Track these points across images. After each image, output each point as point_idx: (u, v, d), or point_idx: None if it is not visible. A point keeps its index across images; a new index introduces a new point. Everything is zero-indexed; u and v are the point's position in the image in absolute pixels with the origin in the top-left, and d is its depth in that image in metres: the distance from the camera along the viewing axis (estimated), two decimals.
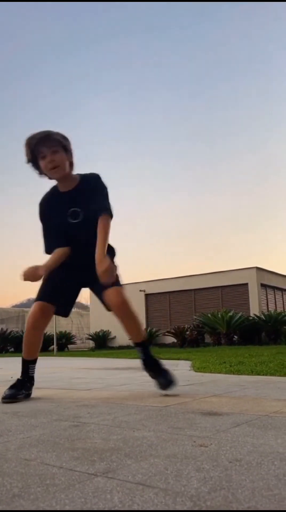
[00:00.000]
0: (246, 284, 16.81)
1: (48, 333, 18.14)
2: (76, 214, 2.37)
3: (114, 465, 1.05)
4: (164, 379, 2.29)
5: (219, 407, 1.84)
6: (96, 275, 2.21)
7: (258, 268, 17.07)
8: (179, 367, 4.72)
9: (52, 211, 2.43)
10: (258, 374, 3.38)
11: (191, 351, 9.33)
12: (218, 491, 0.86)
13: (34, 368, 2.49)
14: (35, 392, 2.70)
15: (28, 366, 2.45)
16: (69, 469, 1.03)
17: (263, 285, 17.40)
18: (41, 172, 2.37)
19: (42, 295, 2.39)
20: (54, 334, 14.69)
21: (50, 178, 2.40)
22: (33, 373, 2.48)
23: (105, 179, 2.42)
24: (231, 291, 17.33)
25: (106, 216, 2.31)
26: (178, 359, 6.38)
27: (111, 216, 2.34)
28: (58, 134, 2.32)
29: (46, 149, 2.26)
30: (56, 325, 15.03)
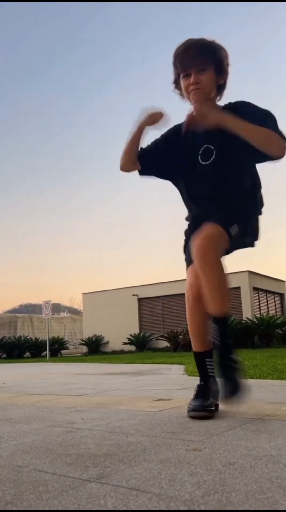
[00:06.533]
0: (239, 287, 16.86)
1: (40, 338, 18.09)
2: (208, 153, 1.85)
3: (107, 471, 1.05)
4: (228, 385, 1.61)
5: None
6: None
7: (250, 272, 17.14)
8: (172, 372, 4.72)
9: (183, 141, 1.92)
10: (251, 378, 3.38)
11: (184, 355, 9.34)
12: (212, 495, 0.86)
13: (212, 364, 1.81)
14: (27, 398, 2.68)
15: (205, 362, 1.82)
16: (62, 475, 1.03)
17: (255, 289, 17.47)
18: (182, 94, 1.90)
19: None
20: (47, 339, 14.60)
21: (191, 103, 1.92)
22: (213, 372, 1.80)
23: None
24: None
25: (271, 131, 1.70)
26: (172, 363, 6.38)
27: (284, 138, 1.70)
28: (213, 44, 1.81)
29: (192, 66, 1.79)
30: (49, 330, 14.94)
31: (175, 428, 1.52)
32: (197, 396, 1.76)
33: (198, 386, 1.81)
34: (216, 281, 1.67)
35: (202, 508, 0.80)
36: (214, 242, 1.67)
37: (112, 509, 0.81)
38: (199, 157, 1.88)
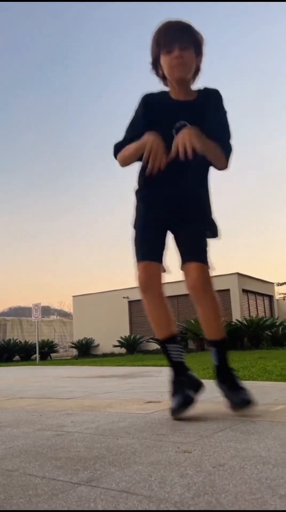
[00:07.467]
0: (228, 290, 16.93)
1: (30, 341, 17.96)
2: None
3: (97, 474, 1.05)
4: (236, 397, 1.77)
5: (203, 413, 1.85)
6: (188, 216, 1.89)
7: (239, 274, 17.22)
8: (162, 374, 4.72)
9: (157, 114, 1.93)
10: (241, 379, 3.40)
11: None
12: (202, 496, 0.86)
13: (178, 350, 1.86)
14: (17, 402, 2.66)
15: (167, 348, 1.86)
16: (52, 479, 1.02)
17: (245, 291, 17.54)
18: (159, 74, 1.93)
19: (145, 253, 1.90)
20: (37, 342, 14.51)
21: (166, 84, 1.95)
22: (179, 357, 1.86)
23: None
24: None
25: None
26: (162, 365, 6.38)
27: (227, 157, 1.89)
28: (192, 27, 1.86)
29: (176, 43, 1.82)
30: (38, 333, 14.85)
31: (165, 430, 1.53)
32: (175, 391, 1.78)
33: (173, 381, 1.83)
34: (217, 309, 1.89)
35: (192, 509, 0.80)
36: (210, 277, 1.88)
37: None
38: (174, 131, 1.87)
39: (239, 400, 1.75)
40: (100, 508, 0.83)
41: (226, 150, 1.89)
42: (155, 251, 1.91)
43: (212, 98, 1.93)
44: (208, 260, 1.91)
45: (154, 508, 0.81)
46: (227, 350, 1.93)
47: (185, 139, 1.74)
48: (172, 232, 1.95)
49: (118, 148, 1.97)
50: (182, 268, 1.92)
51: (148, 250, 1.91)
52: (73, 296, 20.89)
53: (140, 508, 0.82)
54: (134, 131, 1.95)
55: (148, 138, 1.80)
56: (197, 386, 1.83)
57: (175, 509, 0.81)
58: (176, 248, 1.95)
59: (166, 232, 1.95)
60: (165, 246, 1.94)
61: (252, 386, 2.85)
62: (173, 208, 1.91)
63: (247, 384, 3.01)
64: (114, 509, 0.82)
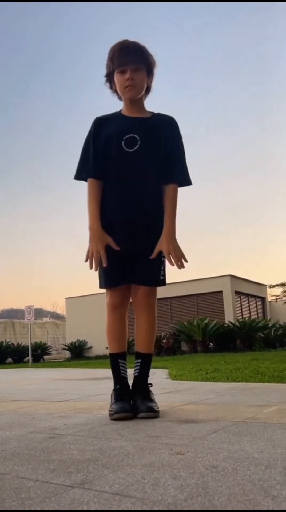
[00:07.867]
0: (221, 291, 16.98)
1: (22, 344, 17.87)
2: (132, 142, 1.96)
3: (90, 476, 1.05)
4: (145, 406, 1.85)
5: (196, 415, 1.85)
6: (151, 241, 1.95)
7: (232, 276, 17.28)
8: (156, 376, 4.72)
9: (108, 132, 2.00)
10: (234, 381, 3.41)
11: (167, 359, 9.34)
12: (195, 498, 0.86)
13: (125, 366, 2.01)
14: (9, 405, 2.65)
15: (119, 363, 2.01)
16: (45, 482, 1.02)
17: (237, 293, 17.60)
18: (113, 88, 2.05)
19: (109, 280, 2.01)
20: (29, 345, 14.44)
21: (120, 99, 2.07)
22: (126, 373, 2.00)
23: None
24: (206, 298, 17.47)
25: (175, 187, 2.01)
26: (155, 367, 6.38)
27: (186, 184, 2.04)
28: (147, 50, 1.98)
29: (129, 64, 1.93)
30: (31, 335, 14.78)
31: (158, 432, 1.53)
32: (117, 399, 1.90)
33: (115, 390, 1.96)
34: (154, 327, 2.05)
35: (185, 510, 0.80)
36: (156, 299, 2.06)
37: None
38: (123, 143, 1.97)
39: (145, 408, 1.84)
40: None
41: (183, 174, 2.03)
42: (126, 275, 1.98)
43: (167, 121, 2.05)
44: (161, 280, 2.03)
45: (147, 510, 0.81)
46: (150, 364, 2.05)
47: (175, 258, 1.92)
48: (135, 252, 1.98)
49: (80, 178, 2.05)
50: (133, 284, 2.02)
51: (120, 276, 1.98)
52: (66, 298, 20.84)
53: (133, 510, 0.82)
54: (87, 173, 2.01)
55: (91, 249, 1.93)
56: (130, 397, 1.93)
57: (168, 510, 0.81)
58: (133, 260, 1.97)
59: (132, 254, 1.98)
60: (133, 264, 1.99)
61: (245, 388, 2.86)
62: (136, 235, 1.97)
63: (239, 385, 3.04)
64: (108, 510, 0.82)
